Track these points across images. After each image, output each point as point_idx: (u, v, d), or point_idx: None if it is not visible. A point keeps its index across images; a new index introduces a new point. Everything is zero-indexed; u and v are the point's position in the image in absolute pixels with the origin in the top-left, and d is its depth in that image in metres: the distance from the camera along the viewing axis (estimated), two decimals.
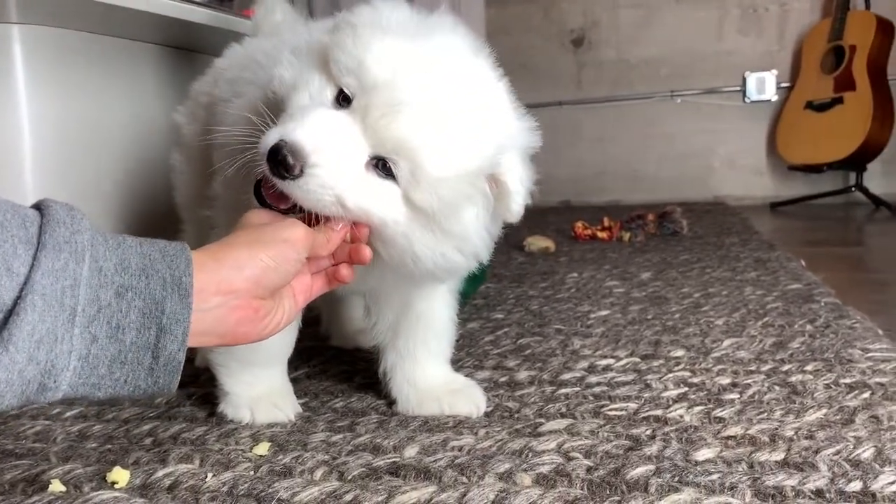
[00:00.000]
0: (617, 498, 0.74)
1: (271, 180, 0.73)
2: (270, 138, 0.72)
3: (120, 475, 0.84)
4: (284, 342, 1.02)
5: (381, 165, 0.75)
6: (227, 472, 0.84)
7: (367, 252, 0.79)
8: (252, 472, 0.84)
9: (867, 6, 3.45)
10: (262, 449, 0.91)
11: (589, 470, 0.80)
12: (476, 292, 1.75)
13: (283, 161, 0.70)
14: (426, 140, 0.73)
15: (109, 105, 1.56)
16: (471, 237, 0.80)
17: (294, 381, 1.11)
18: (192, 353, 1.30)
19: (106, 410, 1.07)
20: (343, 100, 0.76)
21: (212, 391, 1.07)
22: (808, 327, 1.31)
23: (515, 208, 0.81)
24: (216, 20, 1.51)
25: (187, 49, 1.76)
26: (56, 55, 1.45)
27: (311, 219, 0.76)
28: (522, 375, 1.13)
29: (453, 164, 0.75)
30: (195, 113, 1.20)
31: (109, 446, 0.94)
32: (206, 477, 0.84)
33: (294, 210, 0.76)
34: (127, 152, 1.62)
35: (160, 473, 0.85)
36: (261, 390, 1.02)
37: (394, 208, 0.76)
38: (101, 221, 1.60)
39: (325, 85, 0.78)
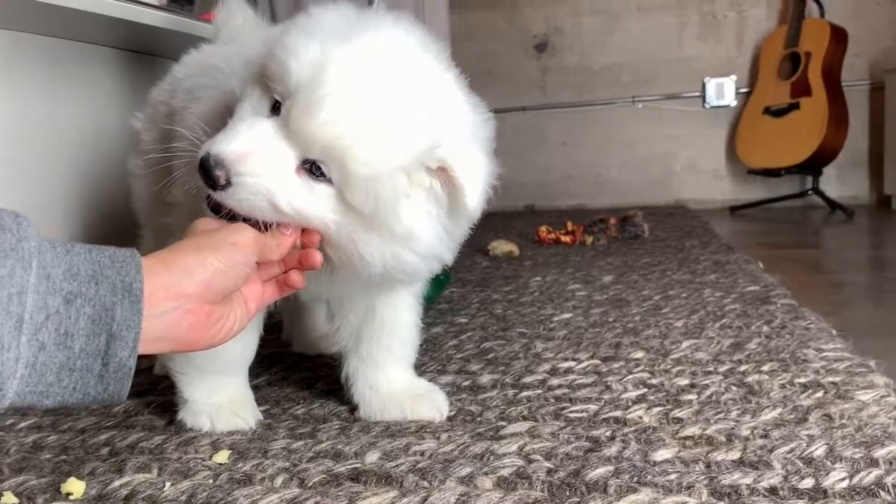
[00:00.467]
0: (576, 499, 0.75)
1: (209, 193, 0.74)
2: (201, 151, 0.73)
3: (75, 486, 0.82)
4: (246, 349, 1.01)
5: (314, 168, 0.74)
6: (186, 481, 0.83)
7: (317, 257, 0.78)
8: (211, 481, 0.83)
9: (821, 14, 3.54)
10: (222, 457, 0.90)
11: (549, 472, 0.81)
12: (440, 297, 1.75)
13: (210, 173, 0.72)
14: (347, 137, 0.72)
15: (64, 109, 1.53)
16: (421, 236, 0.78)
17: (255, 388, 1.11)
18: (150, 362, 1.29)
19: (61, 420, 1.05)
20: (276, 108, 0.76)
21: (171, 399, 1.06)
22: (765, 328, 1.33)
23: (470, 203, 0.77)
24: (174, 23, 1.49)
25: (147, 53, 1.74)
26: (6, 58, 1.42)
27: (261, 224, 0.76)
28: (485, 379, 1.14)
29: (380, 159, 0.73)
30: (154, 120, 1.19)
31: (64, 457, 0.93)
32: (164, 486, 0.82)
33: (242, 216, 0.76)
34: (82, 158, 1.59)
35: (117, 483, 0.83)
36: (221, 398, 1.01)
37: (331, 210, 0.75)
38: (57, 228, 1.56)
39: (263, 95, 0.78)
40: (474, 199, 0.77)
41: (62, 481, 0.84)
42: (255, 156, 0.73)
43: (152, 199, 1.18)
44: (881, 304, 1.69)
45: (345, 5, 0.79)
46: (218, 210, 0.76)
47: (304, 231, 0.78)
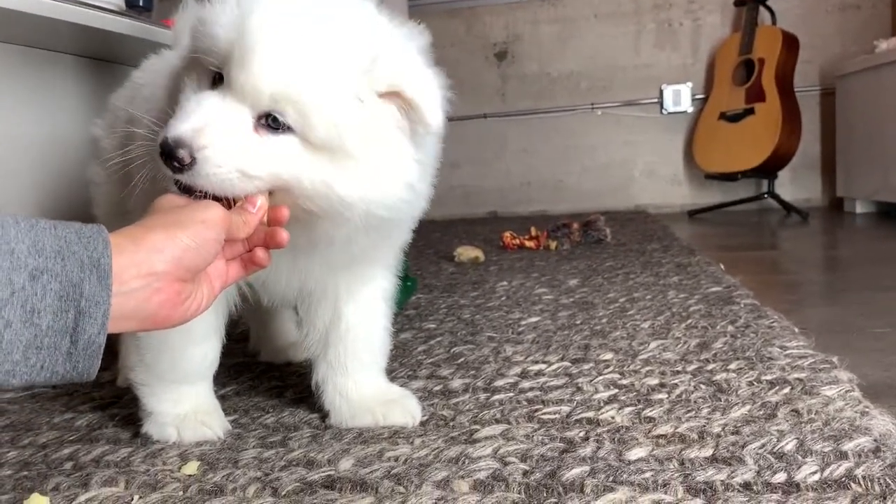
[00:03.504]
0: (554, 500, 0.75)
1: (176, 178, 0.74)
2: (158, 139, 0.73)
3: (38, 502, 0.80)
4: (207, 355, 0.99)
5: (272, 120, 0.74)
6: (155, 494, 0.81)
7: (283, 235, 0.77)
8: (181, 493, 0.81)
9: (773, 22, 3.62)
10: (191, 468, 0.88)
11: (525, 474, 0.80)
12: (407, 303, 1.74)
13: (172, 156, 0.71)
14: (288, 74, 0.73)
15: (23, 117, 1.49)
16: (394, 164, 0.78)
17: (222, 398, 1.09)
18: (113, 374, 1.25)
19: (21, 436, 1.02)
20: (217, 81, 0.77)
21: (135, 412, 1.03)
22: (730, 328, 1.35)
23: (430, 119, 0.78)
24: (134, 29, 1.46)
25: (107, 60, 1.70)
26: None
27: (228, 201, 0.75)
28: (456, 383, 1.13)
29: (327, 85, 0.73)
30: (114, 126, 1.16)
31: (26, 472, 0.90)
32: (133, 500, 0.80)
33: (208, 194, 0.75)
34: (42, 165, 1.55)
35: (82, 498, 0.81)
36: (186, 408, 0.98)
37: (300, 158, 0.75)
38: None
39: (201, 75, 0.79)
40: (434, 113, 0.78)
41: (24, 498, 0.81)
42: (211, 126, 0.73)
43: (113, 208, 1.16)
44: (837, 302, 1.73)
45: None
46: (190, 192, 0.75)
47: (272, 208, 0.77)
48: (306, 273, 0.92)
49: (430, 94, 0.78)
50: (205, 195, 0.75)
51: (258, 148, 0.74)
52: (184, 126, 0.73)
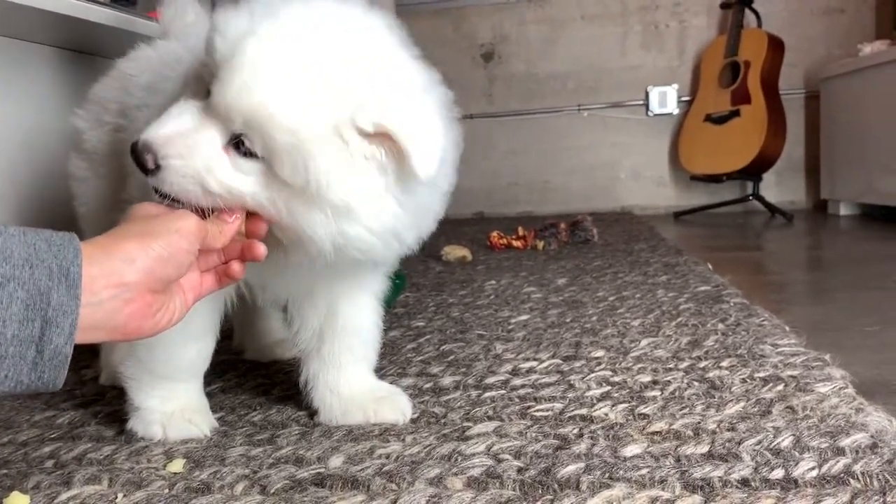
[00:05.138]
0: (550, 497, 0.74)
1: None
2: (134, 138, 0.73)
3: (19, 500, 0.77)
4: (201, 354, 0.97)
5: (241, 145, 0.73)
6: (140, 492, 0.79)
7: (260, 249, 0.75)
8: (167, 491, 0.79)
9: (759, 24, 3.64)
10: (177, 466, 0.86)
11: (520, 471, 0.79)
12: (396, 301, 1.72)
13: (138, 159, 0.72)
14: (266, 104, 0.70)
15: (1, 109, 1.46)
16: (361, 210, 0.73)
17: (208, 395, 1.06)
18: (96, 372, 1.23)
19: (0, 434, 0.99)
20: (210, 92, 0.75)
21: (119, 409, 1.01)
22: (720, 326, 1.35)
23: (419, 168, 0.72)
24: (119, 21, 1.44)
25: (87, 52, 1.67)
26: None
27: (204, 211, 0.74)
28: (447, 381, 1.12)
29: (302, 126, 0.70)
30: (100, 118, 1.14)
31: (6, 471, 0.87)
32: (117, 498, 0.78)
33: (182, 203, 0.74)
34: (19, 159, 1.52)
35: (64, 497, 0.79)
36: (174, 406, 0.96)
37: (263, 186, 0.73)
38: None
39: (198, 81, 0.77)
40: (424, 162, 0.72)
41: (4, 496, 0.79)
42: (181, 138, 0.73)
43: (99, 203, 1.13)
44: (824, 301, 1.73)
45: None
46: (166, 198, 0.74)
47: (249, 220, 0.76)
48: (306, 276, 0.90)
49: (423, 141, 0.72)
50: (180, 204, 0.74)
51: (223, 168, 0.73)
52: (155, 133, 0.73)
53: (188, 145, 0.73)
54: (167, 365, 0.94)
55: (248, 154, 0.72)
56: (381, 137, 0.72)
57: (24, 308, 0.56)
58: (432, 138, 0.73)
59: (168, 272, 0.67)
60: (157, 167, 0.72)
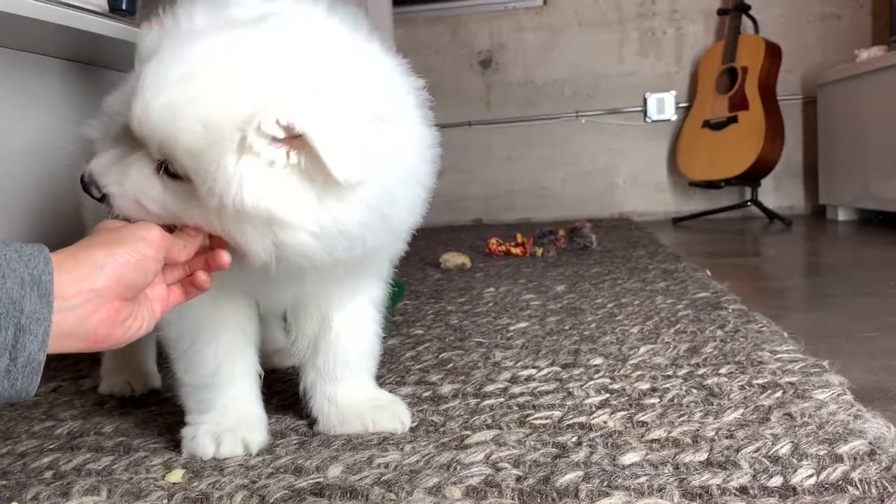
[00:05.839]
0: None
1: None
2: (83, 169, 0.78)
3: None
4: (219, 357, 0.94)
5: (166, 168, 0.74)
6: (139, 502, 0.79)
7: (224, 258, 0.76)
8: (165, 501, 0.79)
9: (756, 31, 3.66)
10: (176, 476, 0.86)
11: (518, 479, 0.79)
12: (394, 309, 1.72)
13: (86, 190, 0.78)
14: (163, 126, 0.71)
15: (5, 120, 1.47)
16: (294, 216, 0.71)
17: None
18: (95, 381, 1.23)
19: None
20: None
21: (118, 420, 1.01)
22: (719, 332, 1.35)
23: (338, 171, 0.68)
24: (117, 31, 1.44)
25: (89, 63, 1.68)
26: None
27: (169, 225, 0.76)
28: (446, 389, 1.12)
29: (198, 140, 0.69)
30: (109, 130, 1.14)
31: (5, 482, 0.87)
32: None
33: None
34: (28, 169, 1.52)
35: None
36: (229, 421, 0.93)
37: (196, 206, 0.74)
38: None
39: None
40: (341, 165, 0.68)
41: None
42: (114, 167, 0.77)
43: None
44: (823, 307, 1.73)
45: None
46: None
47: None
48: (293, 283, 0.90)
49: (338, 141, 0.69)
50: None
51: (156, 192, 0.76)
52: (94, 164, 0.78)
53: (122, 174, 0.76)
54: (194, 373, 0.94)
55: (176, 177, 0.74)
56: (294, 141, 0.70)
57: None
58: (349, 138, 0.70)
59: (136, 278, 0.68)
60: (103, 195, 0.77)
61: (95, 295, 0.64)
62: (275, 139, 0.70)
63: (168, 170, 0.74)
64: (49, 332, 0.60)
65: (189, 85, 0.70)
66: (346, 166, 0.69)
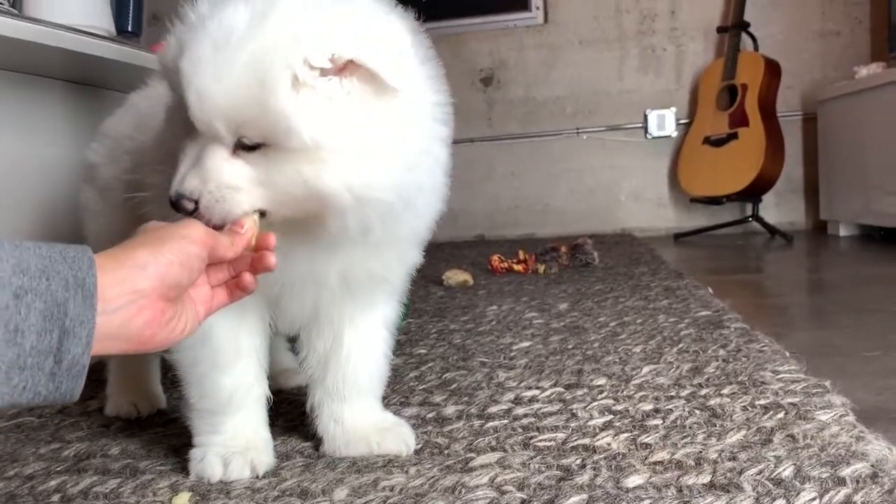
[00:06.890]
0: None
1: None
2: (170, 191, 0.77)
3: None
4: (242, 383, 0.95)
5: (240, 144, 0.75)
6: None
7: (272, 259, 0.76)
8: None
9: (755, 48, 3.68)
10: (183, 499, 0.86)
11: (523, 502, 0.80)
12: (398, 328, 1.73)
13: (181, 208, 0.76)
14: (222, 102, 0.72)
15: (9, 142, 1.48)
16: (367, 144, 0.75)
17: None
18: (100, 403, 1.23)
19: (6, 467, 1.00)
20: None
21: (123, 442, 1.02)
22: (721, 352, 1.35)
23: (392, 78, 0.73)
24: (122, 54, 1.46)
25: (94, 85, 1.70)
26: None
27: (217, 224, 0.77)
28: (450, 410, 1.12)
29: (260, 95, 0.72)
30: (114, 154, 1.14)
31: None
32: None
33: None
34: (31, 190, 1.54)
35: None
36: (237, 444, 0.94)
37: (278, 168, 0.75)
38: None
39: (182, 122, 0.79)
40: (394, 72, 0.73)
41: None
42: (192, 172, 0.76)
43: (111, 229, 1.14)
44: (826, 325, 1.74)
45: None
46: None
47: (260, 234, 0.77)
48: (315, 293, 0.91)
49: (386, 53, 0.73)
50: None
51: (237, 169, 0.76)
52: (174, 185, 0.77)
53: (199, 173, 0.76)
54: (208, 399, 0.94)
55: (254, 148, 0.75)
56: (346, 68, 0.73)
57: (41, 319, 0.57)
58: (389, 47, 0.75)
59: (180, 278, 0.68)
60: (196, 208, 0.76)
61: (139, 296, 0.64)
62: (324, 71, 0.73)
63: (244, 145, 0.75)
64: (93, 335, 0.60)
65: (227, 48, 0.72)
66: (399, 72, 0.74)
